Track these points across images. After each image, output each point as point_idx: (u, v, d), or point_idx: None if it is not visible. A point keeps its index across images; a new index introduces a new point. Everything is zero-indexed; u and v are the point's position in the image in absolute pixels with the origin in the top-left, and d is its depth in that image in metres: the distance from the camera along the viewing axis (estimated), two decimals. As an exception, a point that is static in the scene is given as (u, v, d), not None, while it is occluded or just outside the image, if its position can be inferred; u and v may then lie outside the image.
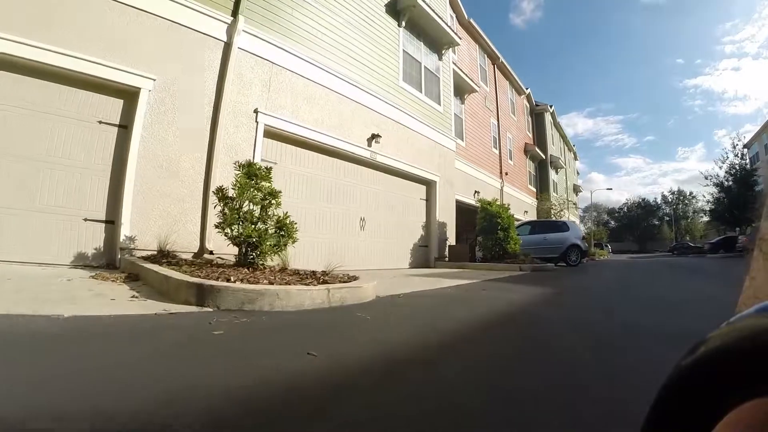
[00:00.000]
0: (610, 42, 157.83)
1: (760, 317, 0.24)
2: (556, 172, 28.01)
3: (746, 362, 0.23)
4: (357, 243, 9.19)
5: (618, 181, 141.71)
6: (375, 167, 9.81)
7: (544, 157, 24.88)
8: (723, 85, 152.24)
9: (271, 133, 7.43)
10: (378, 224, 9.78)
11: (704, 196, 30.32)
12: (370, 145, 9.54)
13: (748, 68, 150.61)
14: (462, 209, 13.84)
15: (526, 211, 21.07)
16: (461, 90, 16.07)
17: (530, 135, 25.08)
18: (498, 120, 19.80)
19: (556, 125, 29.83)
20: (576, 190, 36.99)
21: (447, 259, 11.05)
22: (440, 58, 13.25)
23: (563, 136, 32.55)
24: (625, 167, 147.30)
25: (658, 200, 76.42)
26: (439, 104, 12.63)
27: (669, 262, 19.00)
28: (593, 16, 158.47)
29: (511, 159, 20.87)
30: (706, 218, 32.10)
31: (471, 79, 16.10)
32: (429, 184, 11.56)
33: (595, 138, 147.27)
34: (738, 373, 0.23)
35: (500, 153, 19.28)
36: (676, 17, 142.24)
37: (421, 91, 11.78)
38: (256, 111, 7.10)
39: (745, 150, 29.73)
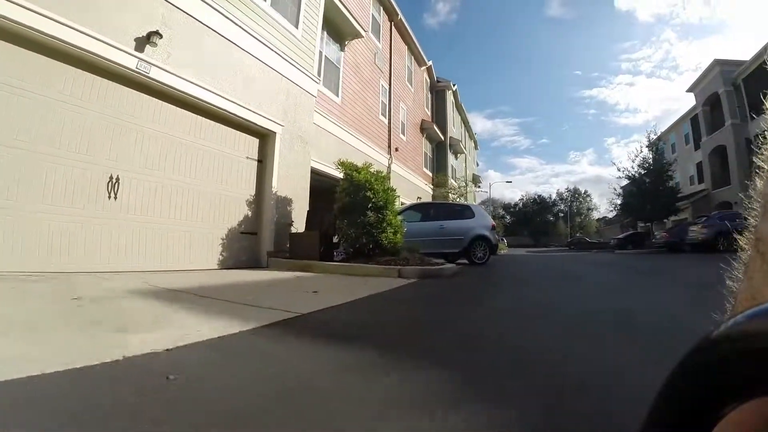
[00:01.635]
0: (515, 49, 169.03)
1: (759, 318, 0.24)
2: (456, 158, 25.83)
3: (746, 363, 0.23)
4: (102, 221, 4.97)
5: (512, 179, 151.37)
6: (151, 90, 5.61)
7: (442, 138, 22.31)
8: (616, 98, 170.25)
9: None
10: (151, 190, 5.60)
11: (615, 189, 28.91)
12: (142, 49, 5.34)
13: (641, 85, 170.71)
14: (327, 186, 10.17)
15: (419, 197, 18.22)
16: (340, 32, 12.35)
17: (429, 112, 22.41)
18: (390, 85, 16.54)
19: (458, 107, 27.80)
20: (476, 180, 35.71)
21: (288, 254, 7.28)
22: (305, -30, 9.38)
23: (465, 121, 30.87)
24: (520, 167, 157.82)
25: (554, 197, 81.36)
26: (296, 27, 8.73)
27: (582, 258, 16.65)
28: (501, 23, 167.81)
29: (403, 134, 17.81)
30: (613, 213, 31.16)
31: (356, 19, 12.47)
32: (265, 137, 7.56)
33: (492, 138, 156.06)
34: (738, 373, 0.24)
35: (390, 123, 16.03)
36: (578, 32, 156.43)
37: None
38: None
39: (662, 144, 29.51)
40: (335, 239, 7.49)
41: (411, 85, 19.74)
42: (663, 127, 31.63)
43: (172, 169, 5.92)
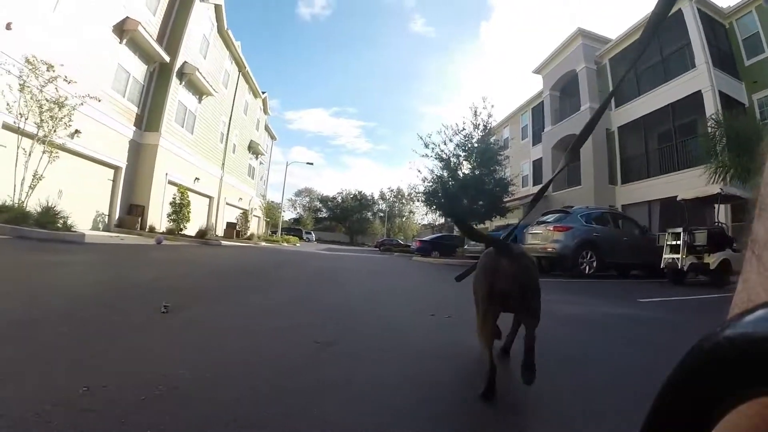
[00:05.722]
0: (376, 55, 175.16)
1: (756, 318, 0.25)
2: (200, 100, 18.89)
3: (746, 364, 0.24)
4: None
5: (349, 179, 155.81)
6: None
7: (167, 60, 15.66)
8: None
9: None
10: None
11: (420, 172, 22.12)
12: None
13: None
14: None
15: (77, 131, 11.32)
16: None
17: (154, 17, 15.60)
18: None
19: (224, 34, 20.75)
20: (255, 150, 28.75)
21: None
22: None
23: (240, 63, 23.48)
24: (356, 167, 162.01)
25: (376, 196, 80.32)
26: None
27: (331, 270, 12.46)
28: (369, 28, 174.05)
29: (58, 14, 10.97)
30: (423, 206, 23.34)
31: None
32: None
33: (335, 136, 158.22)
34: (737, 374, 0.24)
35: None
36: (438, 53, 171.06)
37: None
38: None
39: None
40: None
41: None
42: (495, 122, 22.22)
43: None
